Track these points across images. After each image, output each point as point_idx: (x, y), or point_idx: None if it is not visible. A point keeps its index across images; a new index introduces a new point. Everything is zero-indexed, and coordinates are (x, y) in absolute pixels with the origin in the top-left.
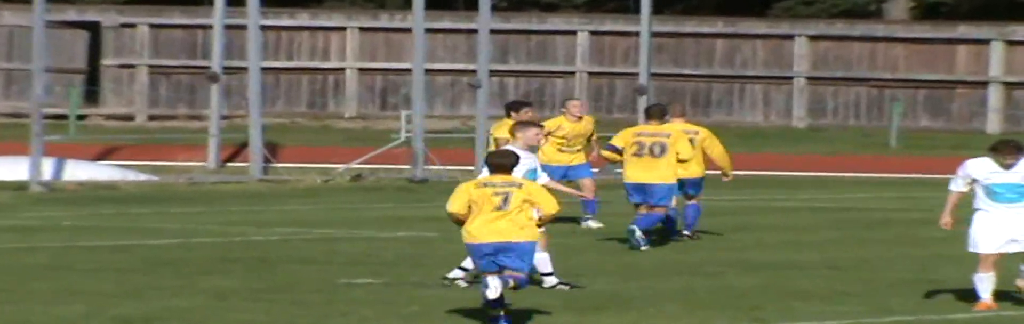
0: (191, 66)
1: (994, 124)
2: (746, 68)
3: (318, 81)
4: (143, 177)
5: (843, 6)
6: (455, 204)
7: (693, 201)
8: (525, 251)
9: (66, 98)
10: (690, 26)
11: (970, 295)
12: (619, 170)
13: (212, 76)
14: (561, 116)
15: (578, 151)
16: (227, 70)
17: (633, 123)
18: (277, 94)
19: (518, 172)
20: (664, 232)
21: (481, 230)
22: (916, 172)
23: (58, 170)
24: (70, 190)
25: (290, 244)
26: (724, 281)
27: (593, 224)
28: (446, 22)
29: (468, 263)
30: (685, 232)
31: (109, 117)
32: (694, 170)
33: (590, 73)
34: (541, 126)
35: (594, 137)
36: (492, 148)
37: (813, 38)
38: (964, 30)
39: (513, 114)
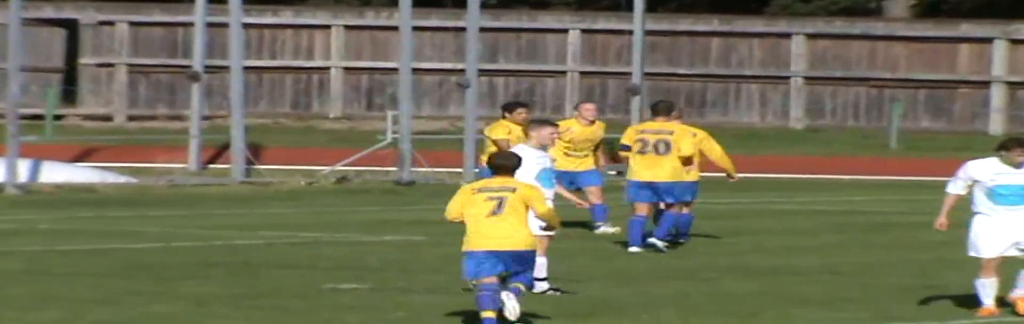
0: (171, 65)
1: (997, 125)
2: (742, 67)
3: (302, 80)
4: (122, 179)
5: (842, 4)
6: (450, 207)
7: (684, 209)
8: (525, 259)
9: (43, 98)
10: (685, 24)
11: (972, 301)
12: (612, 172)
13: (193, 75)
14: (573, 118)
15: (585, 156)
16: (209, 69)
17: (626, 124)
18: (260, 94)
19: (532, 172)
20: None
21: (478, 236)
22: (917, 174)
23: (34, 172)
24: (47, 192)
25: (273, 248)
26: (720, 286)
27: (608, 229)
28: (434, 20)
29: (541, 272)
30: (651, 239)
31: (87, 117)
32: (690, 174)
33: (582, 72)
34: (556, 125)
35: (601, 146)
36: (491, 149)
37: (811, 37)
38: (966, 28)
39: (507, 115)
